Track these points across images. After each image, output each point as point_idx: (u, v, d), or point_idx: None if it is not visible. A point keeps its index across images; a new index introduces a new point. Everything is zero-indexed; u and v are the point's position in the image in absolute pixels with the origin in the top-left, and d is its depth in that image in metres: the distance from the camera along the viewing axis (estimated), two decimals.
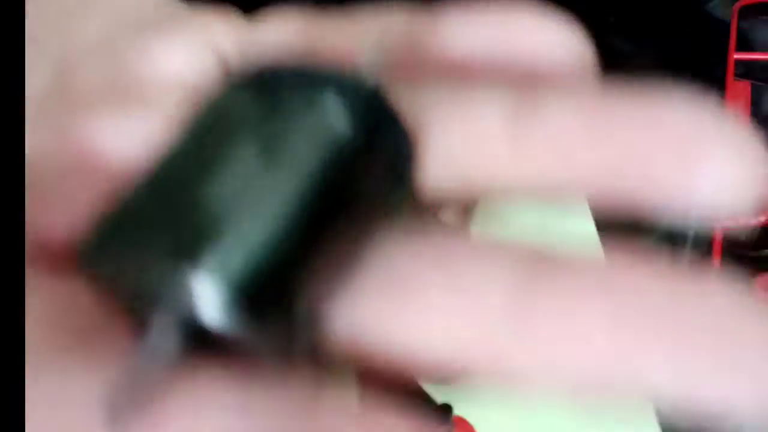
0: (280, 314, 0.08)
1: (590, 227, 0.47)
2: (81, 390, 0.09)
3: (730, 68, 1.02)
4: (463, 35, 0.12)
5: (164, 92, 0.13)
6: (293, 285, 0.08)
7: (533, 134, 0.10)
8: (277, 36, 0.13)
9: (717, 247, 1.02)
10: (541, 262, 0.10)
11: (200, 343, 0.07)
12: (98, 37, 0.15)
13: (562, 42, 0.11)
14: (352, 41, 0.12)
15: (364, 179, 0.09)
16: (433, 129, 0.10)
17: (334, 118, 0.08)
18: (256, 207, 0.07)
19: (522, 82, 0.11)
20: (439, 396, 0.35)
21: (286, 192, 0.08)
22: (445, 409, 0.33)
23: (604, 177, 0.10)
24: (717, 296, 0.09)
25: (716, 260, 1.00)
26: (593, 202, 0.10)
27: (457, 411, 0.34)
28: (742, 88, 1.03)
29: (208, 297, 0.07)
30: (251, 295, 0.07)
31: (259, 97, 0.08)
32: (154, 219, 0.07)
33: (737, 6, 1.05)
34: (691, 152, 0.09)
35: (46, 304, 0.11)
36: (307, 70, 0.09)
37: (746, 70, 1.06)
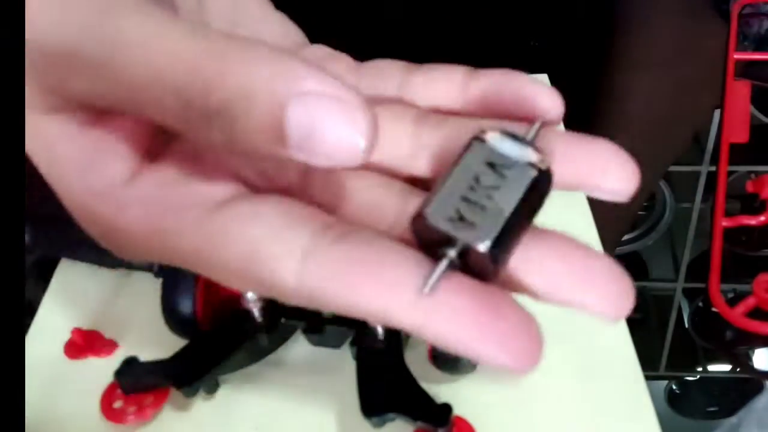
0: (505, 256, 0.18)
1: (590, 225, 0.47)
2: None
3: (731, 68, 1.02)
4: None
5: None
6: (510, 244, 0.18)
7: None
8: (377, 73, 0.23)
9: (717, 247, 1.02)
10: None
11: (466, 266, 0.18)
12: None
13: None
14: (439, 88, 0.22)
15: (538, 198, 0.19)
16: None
17: (530, 170, 0.18)
18: (500, 210, 0.18)
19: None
20: (439, 396, 0.35)
21: (512, 204, 0.18)
22: (445, 409, 0.34)
23: None
24: None
25: (716, 259, 1.00)
26: None
27: (457, 411, 0.34)
28: (741, 88, 1.03)
29: (484, 249, 0.17)
30: (498, 249, 0.17)
31: (491, 154, 0.19)
32: (461, 209, 0.18)
33: (737, 5, 1.05)
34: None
35: None
36: (511, 136, 0.19)
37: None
